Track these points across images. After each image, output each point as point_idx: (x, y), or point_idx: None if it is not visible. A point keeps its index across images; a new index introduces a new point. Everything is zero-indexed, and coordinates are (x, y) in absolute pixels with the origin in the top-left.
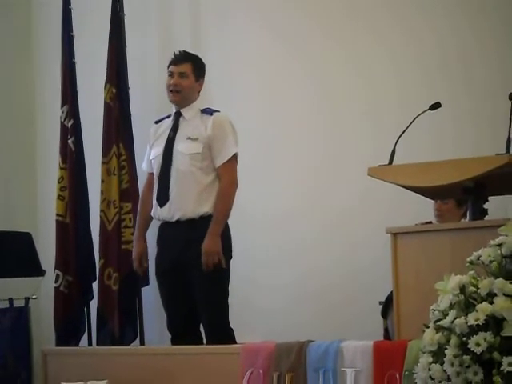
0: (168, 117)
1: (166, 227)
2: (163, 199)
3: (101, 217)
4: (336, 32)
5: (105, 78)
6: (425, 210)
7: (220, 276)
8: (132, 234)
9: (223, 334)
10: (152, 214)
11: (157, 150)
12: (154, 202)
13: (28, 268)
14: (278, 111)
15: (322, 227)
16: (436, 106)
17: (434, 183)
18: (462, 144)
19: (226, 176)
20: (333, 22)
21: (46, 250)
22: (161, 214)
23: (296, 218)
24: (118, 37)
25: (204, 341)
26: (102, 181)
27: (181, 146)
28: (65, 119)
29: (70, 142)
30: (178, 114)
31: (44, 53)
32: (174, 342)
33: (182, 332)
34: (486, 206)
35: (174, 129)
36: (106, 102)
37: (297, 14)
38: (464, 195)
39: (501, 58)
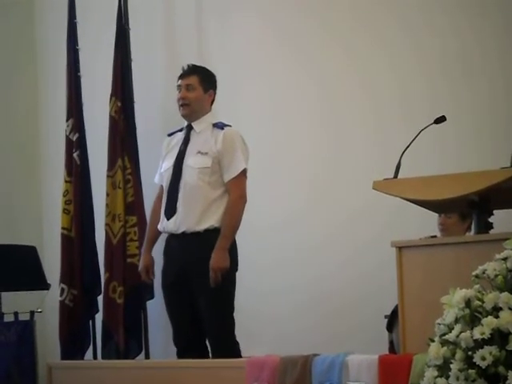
0: (181, 130)
1: (172, 240)
2: (170, 212)
3: (106, 230)
4: (341, 40)
5: (110, 92)
6: (428, 221)
7: (226, 289)
8: (137, 247)
9: (229, 348)
10: (159, 226)
11: (168, 163)
12: (162, 214)
13: (33, 281)
14: (282, 119)
15: (326, 237)
16: (441, 119)
17: (439, 197)
18: (467, 158)
19: (235, 191)
20: (337, 28)
21: (51, 264)
22: (167, 226)
23: (299, 227)
24: (123, 50)
25: (210, 354)
26: (107, 194)
27: (190, 160)
28: (70, 133)
29: (75, 155)
30: (190, 128)
31: (49, 66)
32: (180, 355)
33: (187, 345)
34: (491, 219)
35: (185, 142)
36: (111, 116)
37: (305, 23)
38: (469, 209)
39: (505, 71)
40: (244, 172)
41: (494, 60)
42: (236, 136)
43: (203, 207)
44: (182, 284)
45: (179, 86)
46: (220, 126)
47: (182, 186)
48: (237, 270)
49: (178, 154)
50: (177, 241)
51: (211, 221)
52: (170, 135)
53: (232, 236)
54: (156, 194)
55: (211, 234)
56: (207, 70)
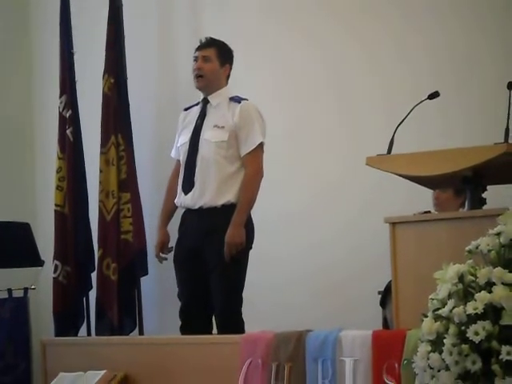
0: (197, 104)
1: (189, 214)
2: (188, 186)
3: (99, 207)
4: (346, 24)
5: (103, 68)
6: (421, 194)
7: (238, 266)
8: (131, 223)
9: (235, 323)
10: (176, 201)
11: (184, 138)
12: (179, 189)
13: (27, 258)
14: (281, 99)
15: (321, 209)
16: (434, 95)
17: (433, 173)
18: (463, 134)
19: (251, 165)
20: (344, 17)
21: (45, 241)
22: (184, 201)
23: (299, 214)
24: (117, 27)
25: (215, 329)
26: (101, 171)
27: (207, 134)
28: (63, 109)
29: (68, 132)
30: (206, 101)
31: (42, 43)
32: (184, 329)
33: (192, 319)
34: (484, 195)
35: (202, 116)
36: (104, 92)
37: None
38: (463, 185)
39: (506, 48)
40: (261, 146)
41: (496, 41)
42: (253, 109)
43: (220, 182)
44: (196, 259)
45: (196, 57)
46: (237, 99)
47: (199, 161)
48: (251, 248)
49: (195, 129)
50: (193, 216)
51: (228, 196)
52: (186, 109)
53: (248, 210)
54: (172, 169)
55: (228, 210)
56: (225, 44)
